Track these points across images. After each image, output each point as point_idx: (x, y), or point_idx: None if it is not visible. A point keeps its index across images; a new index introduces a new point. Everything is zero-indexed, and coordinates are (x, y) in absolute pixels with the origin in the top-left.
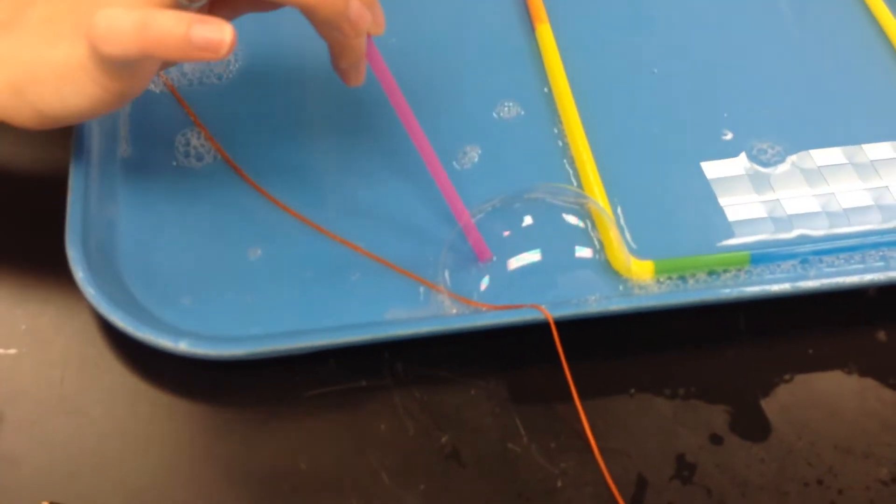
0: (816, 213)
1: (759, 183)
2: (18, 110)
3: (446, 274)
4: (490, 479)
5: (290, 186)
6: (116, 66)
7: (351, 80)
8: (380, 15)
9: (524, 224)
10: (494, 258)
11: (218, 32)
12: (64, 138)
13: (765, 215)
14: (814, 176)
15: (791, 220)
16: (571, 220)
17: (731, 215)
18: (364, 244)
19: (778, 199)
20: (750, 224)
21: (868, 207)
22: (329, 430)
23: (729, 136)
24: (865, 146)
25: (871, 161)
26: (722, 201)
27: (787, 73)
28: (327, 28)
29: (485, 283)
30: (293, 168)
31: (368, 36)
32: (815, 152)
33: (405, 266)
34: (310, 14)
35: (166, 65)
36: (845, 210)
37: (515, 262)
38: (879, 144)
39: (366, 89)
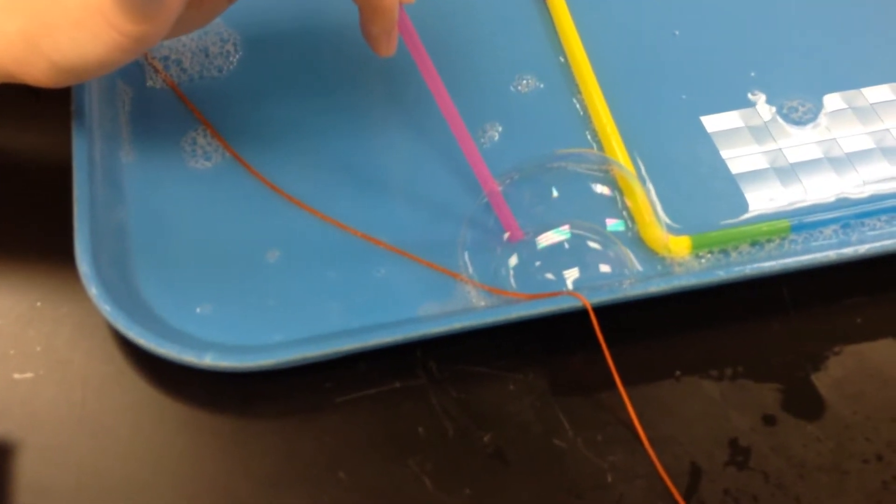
0: (854, 174)
1: (792, 144)
2: (32, 63)
3: (466, 256)
4: (537, 478)
5: (304, 181)
6: (138, 6)
7: (381, 47)
8: None
9: (546, 200)
10: (527, 237)
11: None
12: (65, 144)
13: (801, 179)
14: (848, 133)
15: (829, 183)
16: (598, 190)
17: (765, 181)
18: (386, 237)
19: (813, 160)
20: (785, 189)
21: None
22: (366, 436)
23: (757, 97)
24: None
25: None
26: (753, 166)
27: (812, 28)
28: None
29: (510, 265)
30: (306, 161)
31: (400, 5)
32: (847, 109)
33: (432, 255)
34: None
35: (185, 25)
36: (883, 169)
37: (543, 242)
38: None
39: (378, 74)
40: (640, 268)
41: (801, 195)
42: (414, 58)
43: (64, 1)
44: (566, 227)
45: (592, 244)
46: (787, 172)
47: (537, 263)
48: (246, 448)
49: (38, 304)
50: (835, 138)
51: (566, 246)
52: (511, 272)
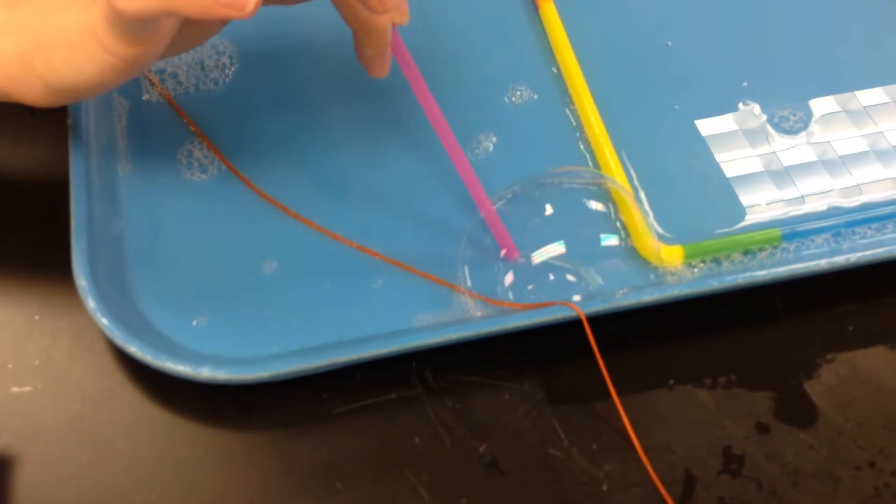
0: (845, 182)
1: (784, 153)
2: (27, 83)
3: (465, 271)
4: (533, 487)
5: (299, 193)
6: (131, 29)
7: (375, 69)
8: (404, 3)
9: (543, 214)
10: (522, 260)
11: None
12: (61, 157)
13: (792, 187)
14: (842, 137)
15: (823, 185)
16: (593, 205)
17: (758, 185)
18: (382, 248)
19: (804, 169)
20: (777, 198)
21: None
22: (362, 447)
23: (750, 107)
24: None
25: None
26: (746, 170)
27: (804, 36)
28: (354, 6)
29: (508, 279)
30: (301, 173)
31: (393, 26)
32: (840, 112)
33: (428, 267)
34: None
35: (179, 46)
36: (877, 171)
37: (539, 256)
38: None
39: (375, 86)
40: (632, 279)
41: (795, 200)
42: (408, 80)
43: (59, 22)
44: (560, 243)
45: (586, 256)
46: (781, 176)
47: (529, 287)
48: (243, 459)
49: (36, 317)
50: (829, 141)
51: (561, 260)
52: (507, 286)
